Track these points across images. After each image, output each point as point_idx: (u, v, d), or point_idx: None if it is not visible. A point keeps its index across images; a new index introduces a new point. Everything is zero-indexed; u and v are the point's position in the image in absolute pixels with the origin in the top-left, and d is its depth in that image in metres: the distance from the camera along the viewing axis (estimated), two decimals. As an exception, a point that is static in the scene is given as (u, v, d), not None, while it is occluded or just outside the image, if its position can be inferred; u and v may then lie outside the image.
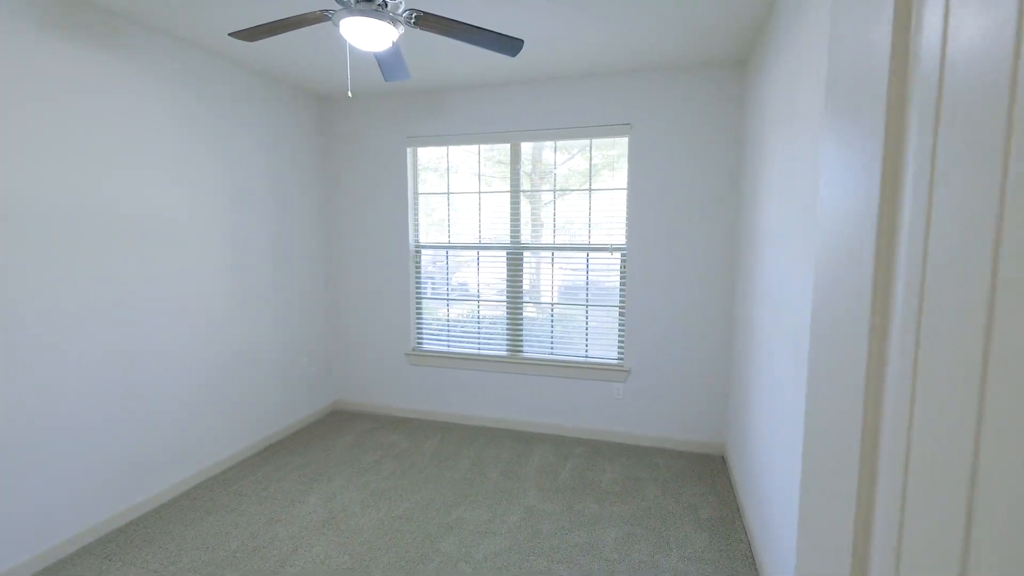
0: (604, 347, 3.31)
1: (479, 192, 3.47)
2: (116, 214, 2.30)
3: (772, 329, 1.96)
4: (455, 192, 3.54)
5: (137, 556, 2.15)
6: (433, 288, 3.69)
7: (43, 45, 2.01)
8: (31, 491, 2.01)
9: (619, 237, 3.19)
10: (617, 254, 3.20)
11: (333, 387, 3.93)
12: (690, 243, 3.01)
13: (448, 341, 3.67)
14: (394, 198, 3.61)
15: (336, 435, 3.45)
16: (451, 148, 3.49)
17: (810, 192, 1.50)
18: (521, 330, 3.46)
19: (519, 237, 3.41)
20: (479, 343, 3.59)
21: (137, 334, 2.41)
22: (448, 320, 3.65)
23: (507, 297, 3.47)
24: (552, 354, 3.41)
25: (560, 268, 3.36)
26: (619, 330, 3.25)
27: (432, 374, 3.66)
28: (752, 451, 2.26)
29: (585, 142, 3.21)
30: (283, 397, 3.40)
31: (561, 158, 3.29)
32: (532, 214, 3.40)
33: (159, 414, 2.53)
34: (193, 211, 2.69)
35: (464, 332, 3.62)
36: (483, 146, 3.42)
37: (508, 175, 3.39)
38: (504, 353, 3.51)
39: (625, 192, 3.15)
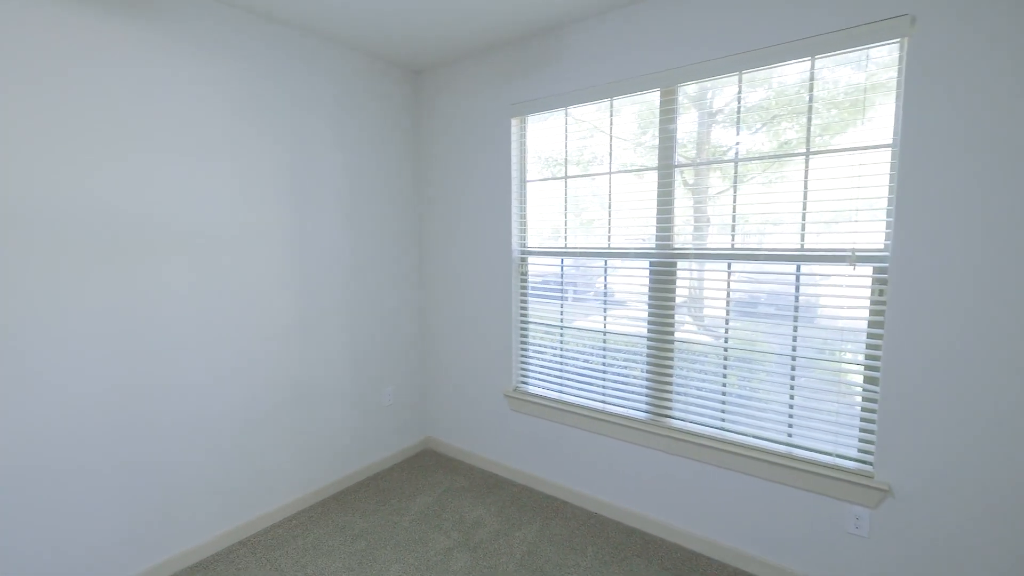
0: (826, 432, 1.91)
1: (609, 173, 2.37)
2: (139, 217, 1.88)
3: None
4: (575, 176, 2.51)
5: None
6: (543, 309, 2.71)
7: (49, 13, 1.63)
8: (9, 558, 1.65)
9: (867, 237, 1.76)
10: (866, 268, 1.78)
11: (425, 422, 3.27)
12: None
13: (561, 385, 2.65)
14: (494, 188, 2.75)
15: (416, 489, 2.74)
16: (571, 111, 2.46)
17: None
18: (670, 382, 2.26)
19: (671, 239, 2.21)
20: (604, 393, 2.49)
21: (162, 363, 1.98)
22: (562, 355, 2.64)
23: (649, 330, 2.30)
24: (723, 427, 2.13)
25: (741, 288, 2.07)
26: (863, 406, 1.82)
27: (538, 427, 2.70)
28: None
29: (785, 86, 1.86)
30: (361, 433, 2.84)
31: (743, 134, 2.00)
32: (695, 208, 2.17)
33: (195, 451, 2.11)
34: (246, 212, 2.22)
35: (584, 374, 2.56)
36: (619, 119, 2.30)
37: (656, 155, 2.22)
38: (642, 415, 2.35)
39: (889, 153, 1.71)
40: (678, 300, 2.24)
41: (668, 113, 2.17)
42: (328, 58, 2.51)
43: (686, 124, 2.13)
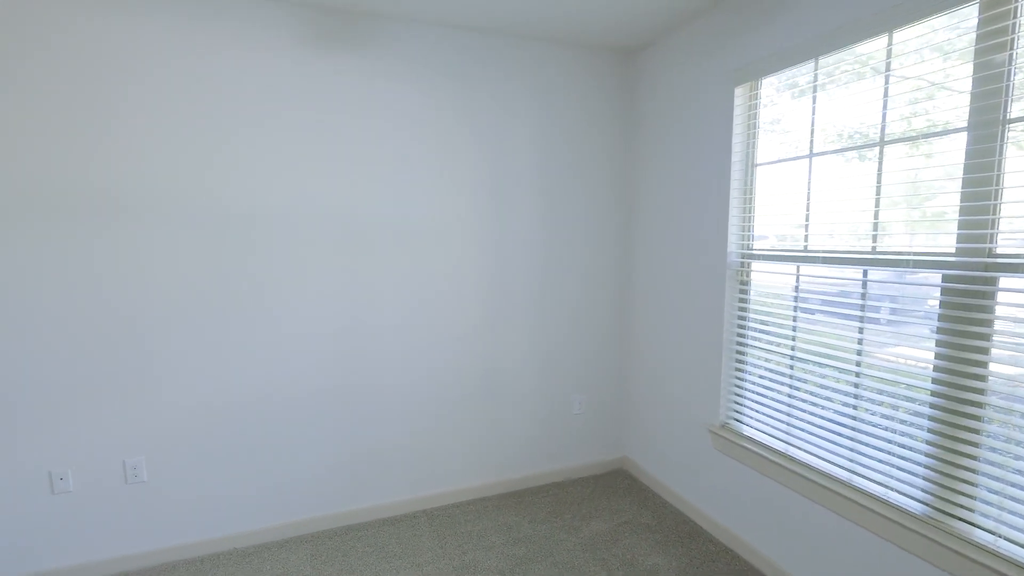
0: None
1: (880, 143, 1.70)
2: (361, 217, 2.36)
3: None
4: (825, 152, 1.90)
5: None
6: (768, 330, 2.17)
7: (299, 61, 2.21)
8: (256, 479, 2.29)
9: None
10: None
11: (623, 440, 3.08)
12: None
13: (788, 433, 2.08)
14: (708, 176, 2.34)
15: (594, 510, 2.60)
16: (825, 62, 1.87)
17: None
18: (974, 468, 1.48)
19: (986, 240, 1.43)
20: (854, 459, 1.83)
21: (371, 338, 2.45)
22: (792, 394, 2.06)
23: (935, 380, 1.56)
24: (1082, 575, 1.27)
25: None
26: None
27: (751, 480, 2.19)
28: None
29: None
30: (546, 438, 2.88)
31: None
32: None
33: (392, 421, 2.53)
34: (445, 214, 2.52)
35: (824, 426, 1.94)
36: (902, 64, 1.62)
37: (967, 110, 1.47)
38: (917, 505, 1.62)
39: None
40: (997, 338, 1.43)
41: (994, 35, 1.40)
42: (527, 57, 2.59)
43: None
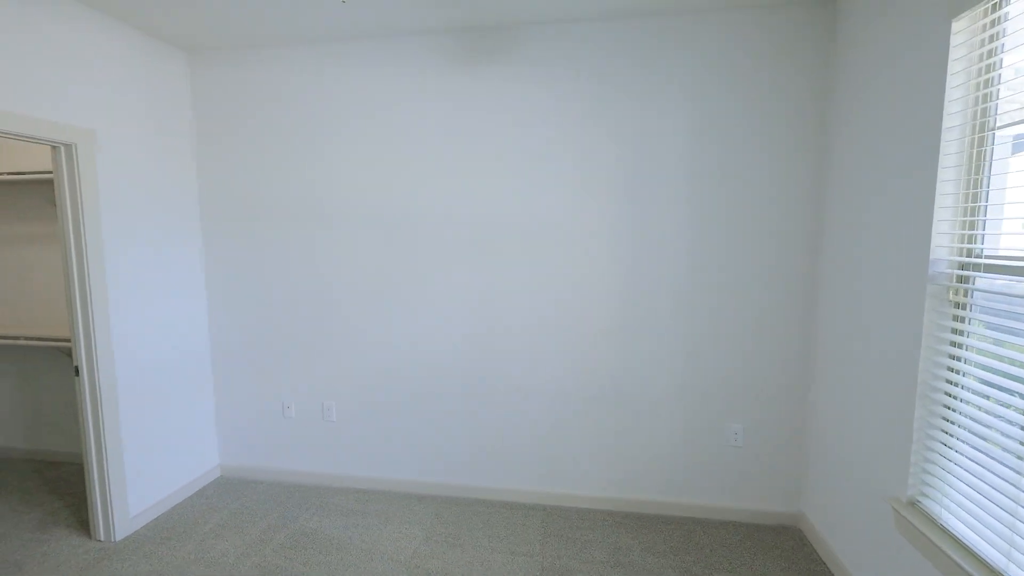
0: None
1: None
2: (492, 221, 2.60)
3: None
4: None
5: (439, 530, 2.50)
6: (996, 379, 1.52)
7: (442, 81, 2.55)
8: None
9: None
10: None
11: (801, 493, 2.57)
12: None
13: (1010, 539, 1.45)
14: (903, 150, 1.73)
15: (726, 562, 2.29)
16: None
17: None
18: None
19: None
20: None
21: (497, 335, 2.68)
22: (1020, 482, 1.42)
23: None
24: None
25: None
26: None
27: (928, 594, 1.61)
28: None
29: None
30: (687, 465, 2.64)
31: None
32: None
33: (518, 414, 2.73)
34: (576, 214, 2.55)
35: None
36: None
37: None
38: None
39: None
40: None
41: None
42: (673, 38, 2.36)
43: None
